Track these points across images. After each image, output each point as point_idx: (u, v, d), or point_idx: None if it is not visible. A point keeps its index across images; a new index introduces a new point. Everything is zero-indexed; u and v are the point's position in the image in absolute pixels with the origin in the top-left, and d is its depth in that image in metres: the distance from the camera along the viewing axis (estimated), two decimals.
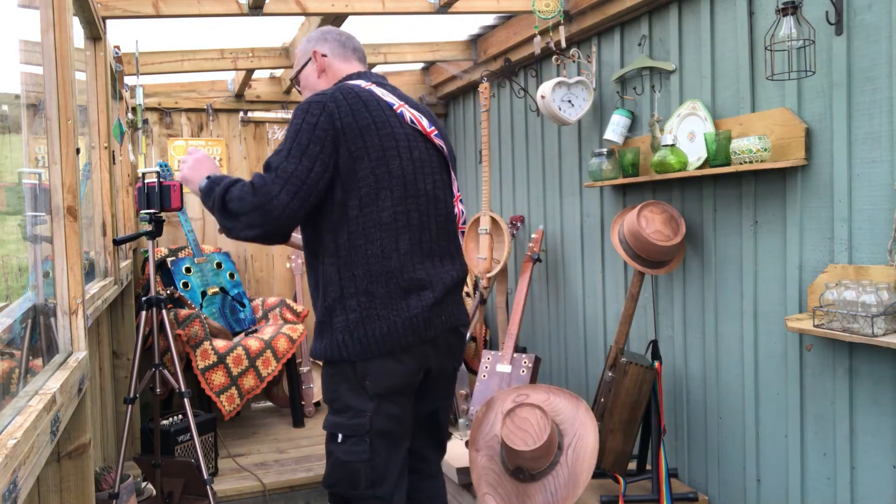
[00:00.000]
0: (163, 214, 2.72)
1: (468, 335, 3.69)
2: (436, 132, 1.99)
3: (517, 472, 2.49)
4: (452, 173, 2.07)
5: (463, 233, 2.11)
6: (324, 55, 2.05)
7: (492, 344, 4.18)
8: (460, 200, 2.09)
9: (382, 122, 1.86)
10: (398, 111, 1.92)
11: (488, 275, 3.69)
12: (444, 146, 2.02)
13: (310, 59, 2.07)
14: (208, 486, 2.60)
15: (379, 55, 3.94)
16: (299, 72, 2.11)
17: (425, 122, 1.97)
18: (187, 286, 4.03)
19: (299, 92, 2.17)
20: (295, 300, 4.50)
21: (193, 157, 1.97)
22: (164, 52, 3.67)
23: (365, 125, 1.83)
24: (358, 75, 2.04)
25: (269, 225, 1.75)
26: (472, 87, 4.39)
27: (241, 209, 1.76)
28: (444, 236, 1.99)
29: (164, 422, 3.16)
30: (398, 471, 1.94)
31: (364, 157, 1.81)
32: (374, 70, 4.50)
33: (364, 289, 1.83)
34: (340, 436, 1.87)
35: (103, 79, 2.73)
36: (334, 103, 1.82)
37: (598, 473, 2.64)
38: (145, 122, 4.31)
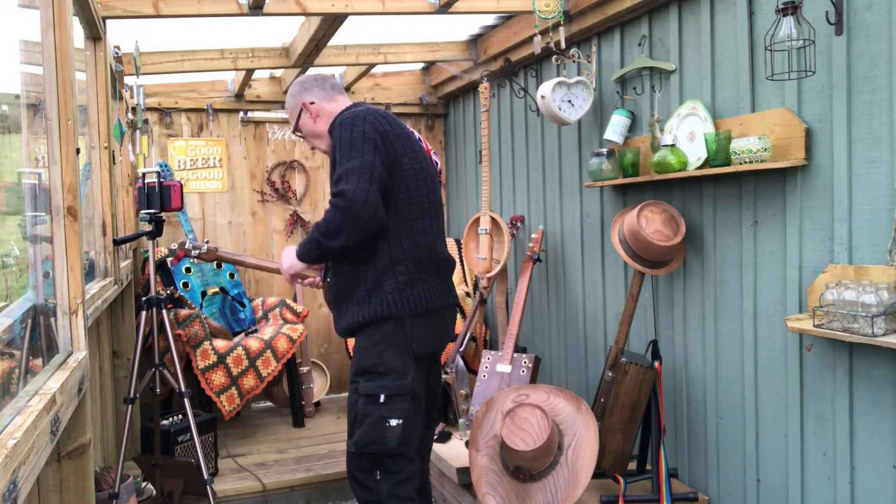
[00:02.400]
0: (163, 214, 2.72)
1: (468, 335, 3.69)
2: (433, 150, 2.41)
3: (517, 472, 2.49)
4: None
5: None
6: (311, 103, 2.34)
7: (492, 344, 4.18)
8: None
9: (407, 134, 2.25)
10: (410, 129, 2.30)
11: (488, 275, 3.69)
12: (437, 162, 2.41)
13: (301, 111, 2.35)
14: (208, 486, 2.60)
15: (379, 55, 3.94)
16: (297, 124, 2.38)
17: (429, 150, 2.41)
18: (187, 286, 4.03)
19: (304, 139, 2.45)
20: (295, 300, 4.50)
21: (283, 257, 2.32)
22: (164, 52, 3.67)
23: (398, 133, 2.19)
24: (355, 105, 2.30)
25: (363, 216, 2.02)
26: (472, 87, 4.39)
27: (335, 222, 2.03)
28: (439, 223, 2.34)
29: (164, 422, 3.16)
30: (419, 434, 2.26)
31: (404, 156, 2.18)
32: (374, 70, 4.48)
33: (411, 256, 2.17)
34: (383, 396, 2.10)
35: (103, 79, 2.73)
36: (372, 115, 2.17)
37: (598, 473, 2.64)
38: (145, 121, 4.31)
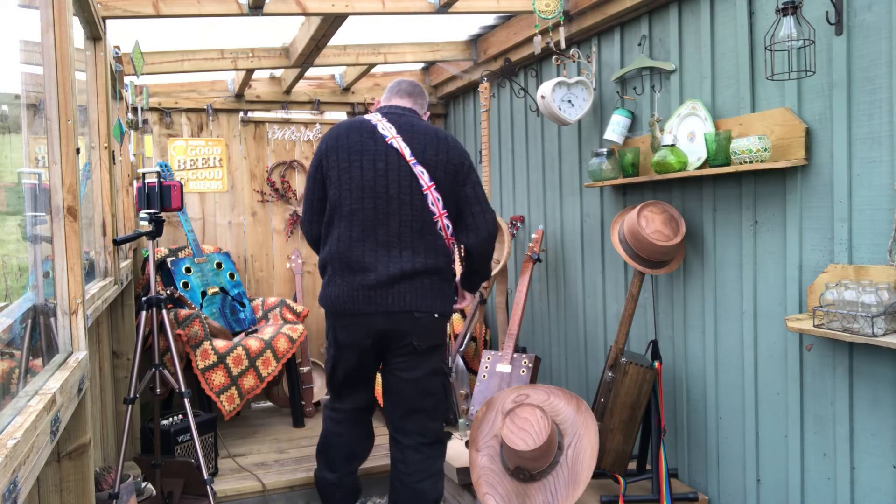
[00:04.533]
0: (163, 214, 2.72)
1: (468, 335, 3.69)
2: (414, 161, 2.51)
3: (517, 472, 2.49)
4: (434, 193, 2.53)
5: (453, 243, 2.62)
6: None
7: (492, 344, 4.18)
8: (446, 217, 2.56)
9: (356, 142, 2.53)
10: (382, 134, 2.54)
11: None
12: (423, 171, 2.52)
13: None
14: (208, 486, 2.60)
15: (379, 55, 3.94)
16: None
17: (407, 152, 2.52)
18: (187, 286, 4.03)
19: None
20: (295, 300, 4.50)
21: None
22: (164, 52, 3.67)
23: (341, 145, 2.54)
24: (379, 108, 2.69)
25: (307, 238, 2.73)
26: (472, 87, 4.39)
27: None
28: (409, 233, 2.50)
29: (164, 422, 3.16)
30: (352, 386, 2.77)
31: (335, 169, 2.53)
32: (374, 70, 4.48)
33: (329, 261, 2.56)
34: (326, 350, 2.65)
35: (103, 79, 2.73)
36: (328, 134, 2.61)
37: (598, 473, 2.64)
38: (145, 122, 4.31)
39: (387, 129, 2.54)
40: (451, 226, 2.58)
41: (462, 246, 2.71)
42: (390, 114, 2.62)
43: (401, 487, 2.64)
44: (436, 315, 2.55)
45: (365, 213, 2.49)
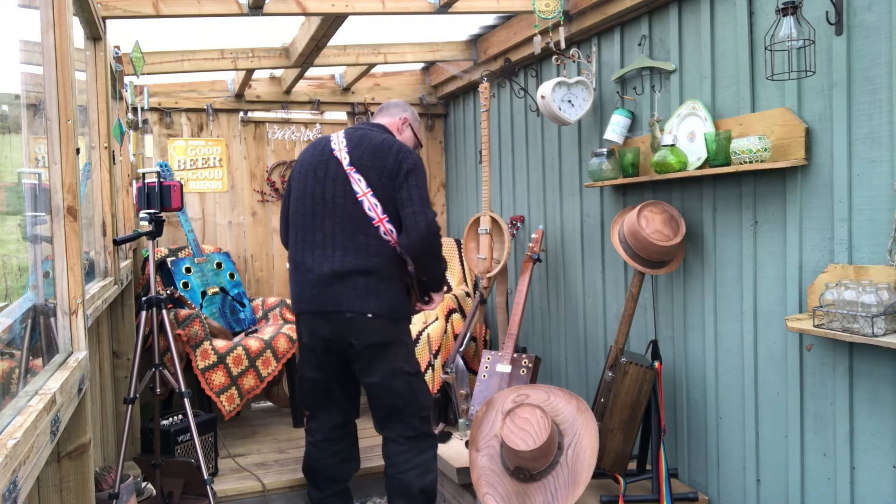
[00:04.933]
0: (163, 214, 2.72)
1: (468, 335, 3.69)
2: (354, 170, 2.64)
3: (517, 472, 2.49)
4: (370, 198, 2.62)
5: (388, 241, 2.64)
6: None
7: (492, 344, 4.18)
8: (388, 221, 2.63)
9: (309, 156, 2.77)
10: (331, 147, 2.72)
11: (488, 275, 3.69)
12: (360, 178, 2.64)
13: None
14: (208, 486, 2.60)
15: (379, 55, 3.94)
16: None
17: (346, 161, 2.67)
18: (187, 286, 4.03)
19: None
20: None
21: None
22: (164, 52, 3.67)
23: (301, 161, 2.80)
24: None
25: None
26: (472, 87, 4.39)
27: None
28: (341, 234, 2.62)
29: (164, 422, 3.16)
30: (321, 399, 2.87)
31: (293, 182, 2.79)
32: (374, 70, 4.51)
33: (291, 268, 2.78)
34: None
35: (103, 79, 2.73)
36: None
37: (598, 473, 2.64)
38: (145, 122, 4.31)
39: (337, 143, 2.72)
40: (393, 230, 2.64)
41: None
42: (350, 129, 2.79)
43: (387, 479, 2.73)
44: (369, 315, 2.59)
45: (306, 218, 2.69)
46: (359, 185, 2.63)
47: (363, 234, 2.61)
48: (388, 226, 2.63)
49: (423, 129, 3.26)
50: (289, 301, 4.29)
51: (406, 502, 2.67)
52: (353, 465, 2.94)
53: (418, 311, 2.93)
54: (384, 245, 2.63)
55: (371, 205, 2.62)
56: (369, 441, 3.50)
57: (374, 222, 2.62)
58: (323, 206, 2.65)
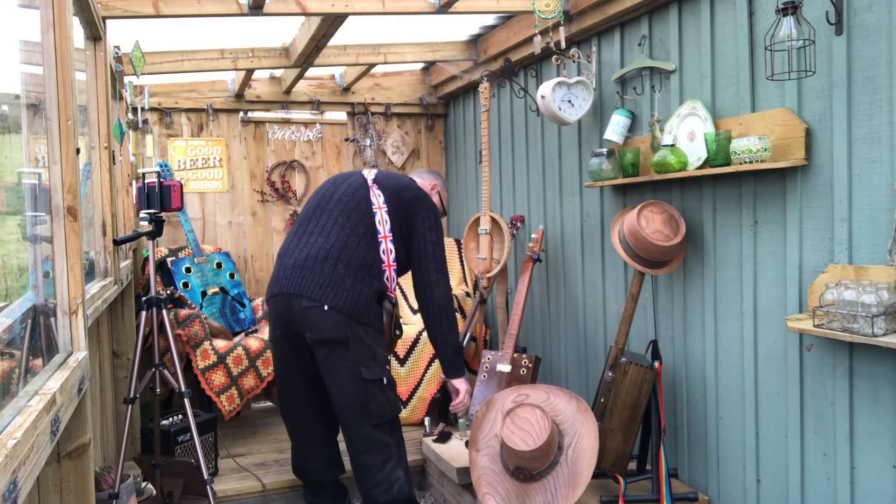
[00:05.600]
0: (163, 214, 2.72)
1: (468, 335, 3.69)
2: (377, 186, 2.80)
3: (517, 472, 2.49)
4: (384, 213, 2.73)
5: (395, 270, 2.75)
6: None
7: (492, 344, 4.18)
8: (391, 241, 2.72)
9: (333, 177, 2.93)
10: (361, 171, 2.90)
11: (488, 275, 3.69)
12: (380, 193, 2.78)
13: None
14: (208, 486, 2.59)
15: (379, 55, 3.94)
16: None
17: (370, 178, 2.86)
18: (187, 286, 4.02)
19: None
20: None
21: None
22: (164, 52, 3.67)
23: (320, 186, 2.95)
24: None
25: None
26: (472, 87, 4.39)
27: None
28: (332, 224, 2.67)
29: (164, 422, 3.15)
30: (289, 403, 2.93)
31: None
32: (374, 70, 4.54)
33: None
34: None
35: (103, 79, 2.73)
36: None
37: (598, 473, 2.64)
38: (145, 122, 4.31)
39: (367, 172, 2.92)
40: (393, 251, 2.72)
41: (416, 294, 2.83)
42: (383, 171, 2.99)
43: (358, 487, 2.76)
44: (325, 307, 2.56)
45: (307, 212, 2.80)
46: (377, 199, 2.76)
47: (363, 226, 2.68)
48: (391, 245, 2.71)
49: (446, 197, 3.50)
50: None
51: None
52: (338, 470, 2.99)
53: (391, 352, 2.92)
54: (375, 252, 2.67)
55: (382, 219, 2.72)
56: None
57: (378, 236, 2.71)
58: (327, 202, 2.75)
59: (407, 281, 4.18)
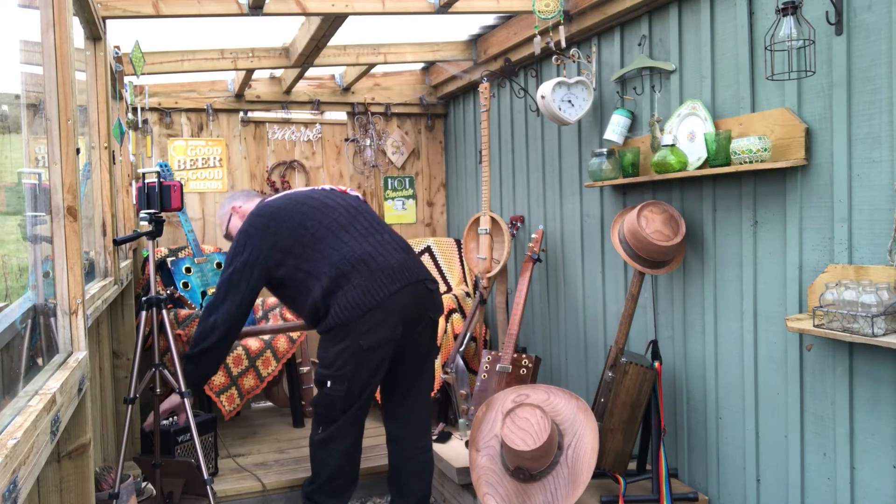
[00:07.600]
0: (163, 214, 2.72)
1: (468, 335, 3.69)
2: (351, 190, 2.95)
3: (517, 472, 2.49)
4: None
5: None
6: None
7: (492, 344, 4.18)
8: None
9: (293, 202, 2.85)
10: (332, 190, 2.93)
11: (488, 275, 3.69)
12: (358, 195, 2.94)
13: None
14: (208, 486, 2.59)
15: (379, 55, 3.94)
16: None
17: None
18: (187, 286, 4.03)
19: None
20: None
21: None
22: (164, 52, 3.67)
23: (279, 211, 2.80)
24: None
25: None
26: (472, 87, 4.39)
27: None
28: (377, 223, 2.79)
29: (164, 422, 3.15)
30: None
31: (280, 224, 2.77)
32: (374, 70, 4.55)
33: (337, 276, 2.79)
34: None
35: (103, 79, 2.73)
36: None
37: (598, 473, 2.64)
38: (145, 122, 4.31)
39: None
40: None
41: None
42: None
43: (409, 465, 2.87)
44: (437, 288, 2.80)
45: (335, 222, 2.74)
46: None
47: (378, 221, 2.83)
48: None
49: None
50: None
51: None
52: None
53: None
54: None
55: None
56: (369, 441, 3.49)
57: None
58: (335, 211, 2.74)
59: None
